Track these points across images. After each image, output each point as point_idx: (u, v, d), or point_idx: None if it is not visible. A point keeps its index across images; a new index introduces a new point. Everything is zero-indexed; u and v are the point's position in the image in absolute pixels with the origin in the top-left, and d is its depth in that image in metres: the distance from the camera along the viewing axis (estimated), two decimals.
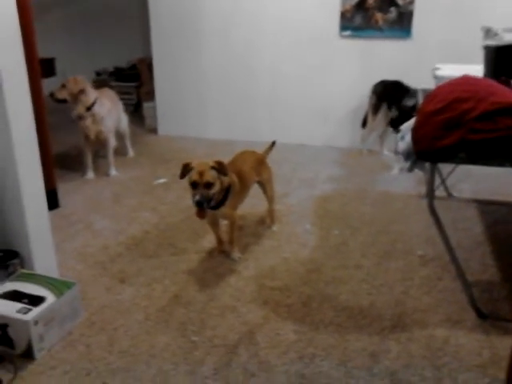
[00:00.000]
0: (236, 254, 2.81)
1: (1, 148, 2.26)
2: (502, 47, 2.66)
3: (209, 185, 2.48)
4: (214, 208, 2.63)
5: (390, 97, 4.35)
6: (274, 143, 3.19)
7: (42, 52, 3.64)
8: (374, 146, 4.77)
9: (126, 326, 2.24)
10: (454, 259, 2.42)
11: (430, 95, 2.39)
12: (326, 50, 4.78)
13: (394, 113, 4.26)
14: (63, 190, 3.71)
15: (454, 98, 2.17)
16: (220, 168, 2.52)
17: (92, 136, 4.05)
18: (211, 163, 2.51)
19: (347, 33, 4.68)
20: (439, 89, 2.41)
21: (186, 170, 2.53)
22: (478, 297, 2.39)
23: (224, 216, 2.77)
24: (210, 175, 2.48)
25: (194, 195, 2.48)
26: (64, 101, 3.95)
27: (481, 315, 2.29)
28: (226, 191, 2.64)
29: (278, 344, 2.12)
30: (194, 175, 2.48)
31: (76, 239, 3.05)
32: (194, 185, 2.48)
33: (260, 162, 3.03)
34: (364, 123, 4.66)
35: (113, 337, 2.16)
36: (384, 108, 4.43)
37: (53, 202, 3.38)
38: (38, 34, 3.20)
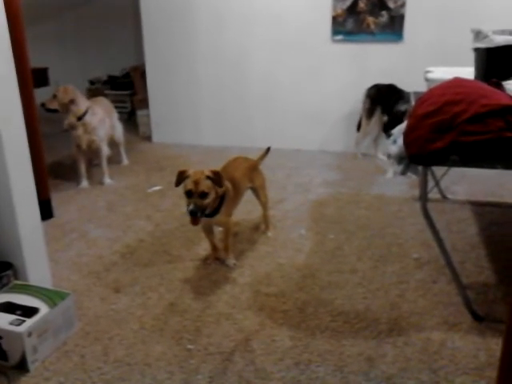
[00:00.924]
0: (231, 261, 2.80)
1: None
2: (492, 49, 2.66)
3: (203, 194, 2.46)
4: (209, 216, 2.63)
5: (384, 100, 4.37)
6: (268, 149, 3.18)
7: (35, 62, 3.64)
8: (369, 149, 4.78)
9: (120, 335, 2.22)
10: (448, 262, 2.42)
11: (421, 98, 2.39)
12: (319, 55, 4.80)
13: (385, 118, 4.28)
14: (57, 199, 3.70)
15: (445, 100, 2.18)
16: (216, 178, 2.50)
17: (84, 145, 4.05)
18: (207, 172, 2.49)
19: (339, 37, 4.70)
20: (431, 92, 2.41)
21: (181, 177, 2.51)
22: (473, 299, 2.39)
23: (219, 223, 2.76)
24: (205, 185, 2.46)
25: (188, 204, 2.48)
26: (55, 110, 3.95)
27: (476, 317, 2.29)
28: (221, 198, 2.64)
29: (273, 351, 2.11)
30: (188, 184, 2.47)
31: (70, 249, 3.04)
32: (189, 194, 2.47)
33: (252, 168, 3.03)
34: (359, 127, 4.67)
35: (108, 347, 2.15)
36: (378, 112, 4.45)
37: (47, 211, 3.37)
38: (31, 44, 3.20)
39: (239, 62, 5.01)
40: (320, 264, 2.81)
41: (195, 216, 2.46)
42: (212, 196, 2.51)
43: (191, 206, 2.45)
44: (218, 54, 5.03)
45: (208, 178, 2.47)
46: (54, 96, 3.93)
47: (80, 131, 3.99)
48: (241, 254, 2.94)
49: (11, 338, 1.97)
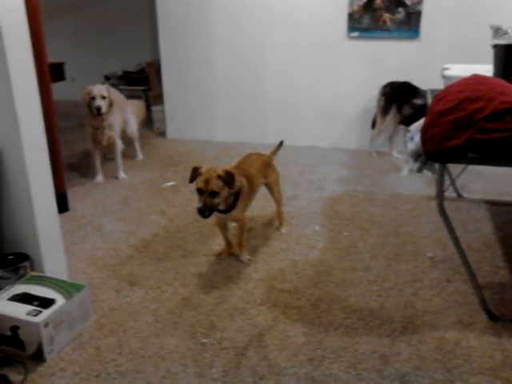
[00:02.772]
0: (245, 256, 2.81)
1: (11, 152, 2.28)
2: (511, 46, 2.63)
3: (213, 193, 2.46)
4: (224, 212, 2.63)
5: (399, 98, 4.34)
6: (281, 143, 3.18)
7: (52, 57, 3.66)
8: (383, 147, 4.75)
9: (135, 328, 2.24)
10: (464, 261, 2.40)
11: (439, 95, 2.37)
12: (334, 52, 4.78)
13: (407, 110, 4.23)
14: (73, 193, 3.73)
15: (463, 97, 2.16)
16: (227, 179, 2.48)
17: (105, 142, 4.08)
18: (219, 171, 2.47)
19: (355, 34, 4.67)
20: (448, 89, 2.39)
21: (195, 174, 2.51)
22: (489, 299, 2.37)
23: (233, 219, 2.77)
24: (216, 184, 2.45)
25: (199, 202, 2.49)
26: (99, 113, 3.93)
27: (492, 317, 2.27)
28: (236, 195, 2.64)
29: (287, 346, 2.11)
30: (199, 182, 2.47)
31: (86, 242, 3.07)
32: (200, 191, 2.48)
33: (266, 164, 3.03)
34: (373, 124, 4.65)
35: (122, 339, 2.17)
36: (393, 110, 4.42)
37: (63, 205, 3.40)
38: (48, 39, 3.22)
39: (254, 57, 5.00)
40: (334, 261, 2.81)
41: (203, 214, 2.47)
42: (223, 195, 2.50)
43: (199, 204, 2.46)
44: (233, 50, 5.02)
45: (219, 177, 2.46)
46: (104, 97, 3.89)
47: (105, 130, 4.03)
48: (255, 249, 2.94)
49: (28, 328, 1.99)
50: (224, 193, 2.50)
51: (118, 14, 6.65)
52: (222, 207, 2.59)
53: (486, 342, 2.12)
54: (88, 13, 6.76)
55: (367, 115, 4.73)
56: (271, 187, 3.08)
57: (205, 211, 2.46)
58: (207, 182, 2.45)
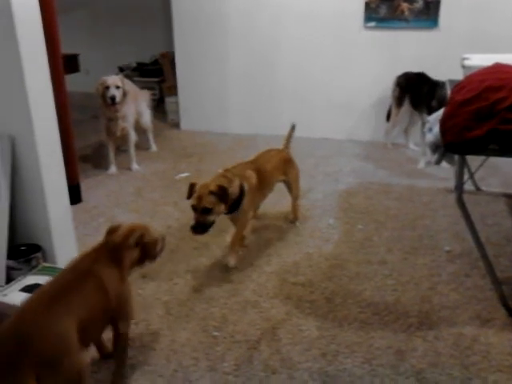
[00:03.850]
0: (231, 261, 2.61)
1: (24, 143, 2.27)
2: None
3: (206, 210, 2.36)
4: (228, 213, 2.56)
5: (414, 89, 4.25)
6: (293, 127, 3.09)
7: (66, 48, 3.65)
8: (399, 139, 4.67)
9: (147, 320, 2.22)
10: (483, 255, 2.34)
11: (459, 84, 2.30)
12: (350, 42, 4.70)
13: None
14: (86, 184, 3.73)
15: (485, 86, 2.09)
16: (220, 194, 2.37)
17: (118, 133, 4.07)
18: (212, 187, 2.36)
19: (372, 24, 4.58)
20: (469, 78, 2.32)
21: (191, 190, 2.43)
22: (508, 294, 2.31)
23: (238, 218, 2.64)
24: (208, 201, 2.36)
25: (193, 219, 2.41)
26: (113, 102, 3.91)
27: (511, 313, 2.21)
28: (240, 195, 2.54)
29: (300, 340, 2.08)
30: (192, 199, 2.39)
31: (98, 233, 3.04)
32: (193, 209, 2.40)
33: (286, 161, 2.97)
34: (388, 116, 4.57)
35: (134, 331, 2.14)
36: (407, 101, 4.34)
37: (76, 196, 3.40)
38: (63, 31, 3.20)
39: (268, 49, 4.94)
40: (348, 254, 2.76)
41: (196, 232, 2.39)
42: (217, 210, 2.40)
43: (192, 222, 2.38)
44: (248, 41, 4.97)
45: (211, 193, 2.36)
46: (118, 87, 3.88)
47: (119, 121, 4.02)
48: (268, 242, 2.90)
49: None
50: (218, 208, 2.40)
51: (133, 6, 6.63)
52: (223, 212, 2.49)
53: (506, 338, 2.07)
54: (102, 4, 6.75)
55: (382, 107, 4.65)
56: (290, 184, 3.03)
57: (197, 228, 2.38)
58: (199, 198, 2.36)
